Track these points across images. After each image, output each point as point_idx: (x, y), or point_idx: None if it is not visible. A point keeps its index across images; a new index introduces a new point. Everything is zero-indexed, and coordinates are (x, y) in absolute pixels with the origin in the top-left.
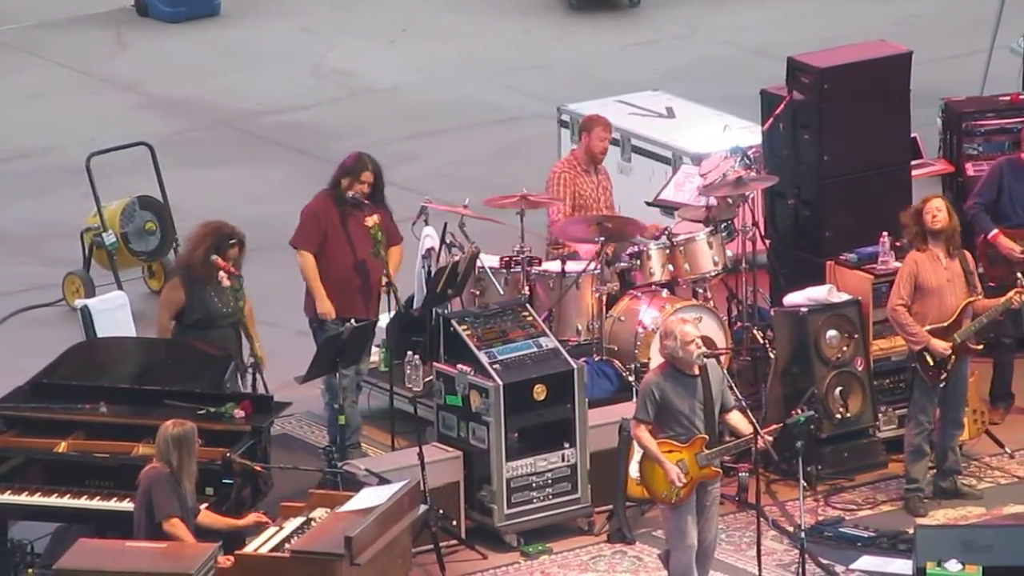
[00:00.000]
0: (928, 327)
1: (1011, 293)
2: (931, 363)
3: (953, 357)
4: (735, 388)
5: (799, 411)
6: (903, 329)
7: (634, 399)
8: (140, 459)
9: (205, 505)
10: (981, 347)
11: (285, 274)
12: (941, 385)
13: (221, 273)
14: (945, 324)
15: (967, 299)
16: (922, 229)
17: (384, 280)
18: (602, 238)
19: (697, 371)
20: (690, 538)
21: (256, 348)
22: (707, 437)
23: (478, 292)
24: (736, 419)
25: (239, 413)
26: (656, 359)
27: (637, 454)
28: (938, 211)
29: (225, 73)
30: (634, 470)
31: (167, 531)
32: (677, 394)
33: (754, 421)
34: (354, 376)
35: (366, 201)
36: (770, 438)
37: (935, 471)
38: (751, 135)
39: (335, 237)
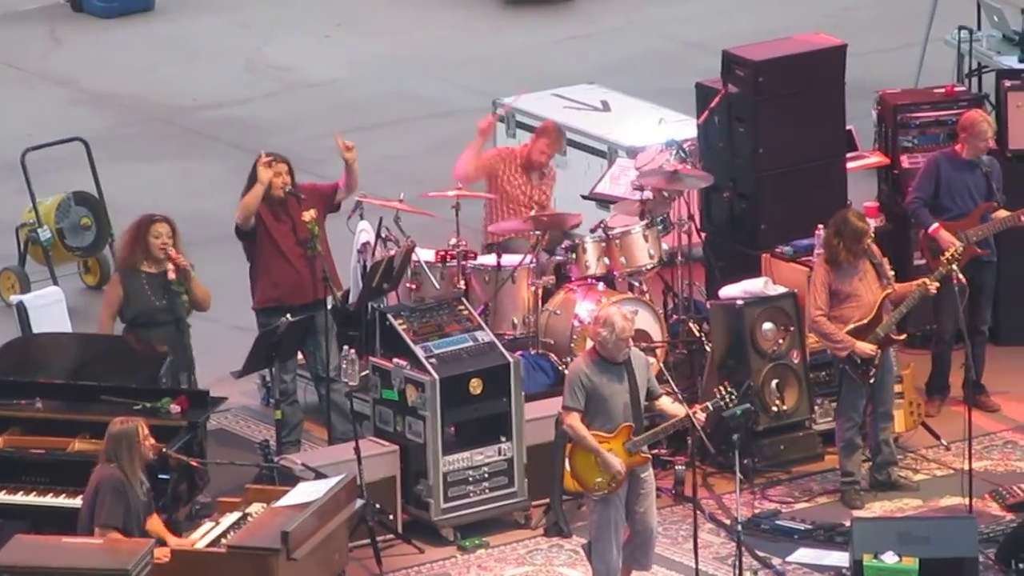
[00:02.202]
0: (850, 327)
1: (920, 280)
2: (859, 363)
3: (879, 353)
4: (672, 381)
5: (724, 387)
6: (826, 339)
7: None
8: (76, 455)
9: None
10: (904, 337)
11: (222, 269)
12: (871, 382)
13: (169, 265)
14: (866, 321)
15: (883, 292)
16: (849, 252)
17: (323, 275)
18: (537, 231)
19: (621, 360)
20: (617, 530)
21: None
22: (633, 425)
23: (414, 286)
24: (666, 403)
25: (175, 408)
26: None
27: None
28: (870, 238)
29: (160, 68)
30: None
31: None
32: (605, 381)
33: (685, 406)
34: (294, 379)
35: (302, 196)
36: (703, 415)
37: (870, 464)
38: (686, 128)
39: (272, 233)
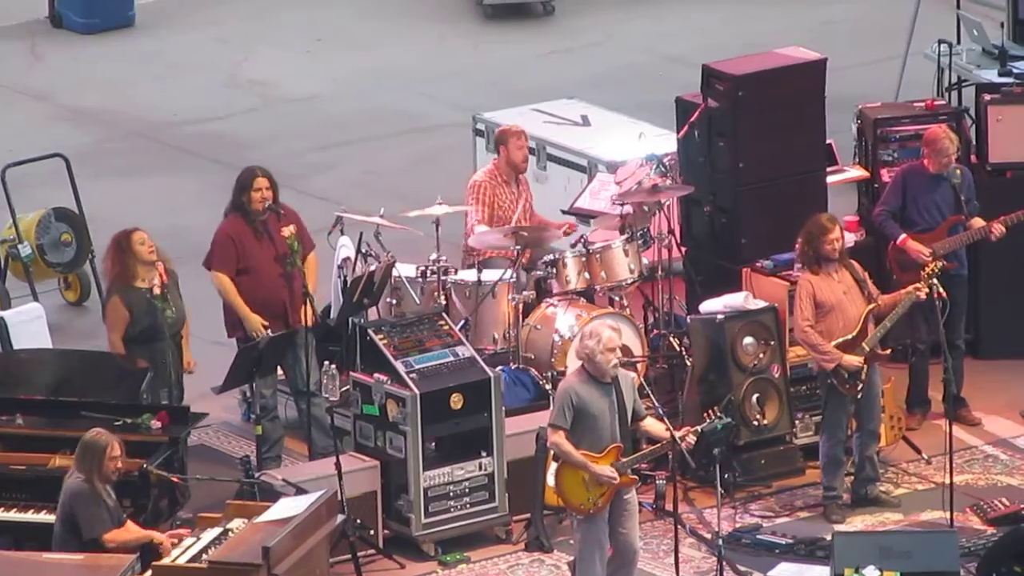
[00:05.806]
0: (836, 341)
1: (910, 287)
2: (846, 377)
3: (866, 367)
4: (652, 396)
5: (713, 412)
6: (814, 350)
7: (551, 407)
8: (56, 471)
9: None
10: (889, 352)
11: (201, 285)
12: (859, 396)
13: (156, 280)
14: (852, 335)
15: (867, 307)
16: (817, 254)
17: (303, 291)
18: (519, 247)
19: (610, 379)
20: (601, 549)
21: (186, 354)
22: (622, 445)
23: (394, 301)
24: (651, 424)
25: (156, 424)
26: (573, 366)
27: (553, 464)
28: (838, 240)
29: (140, 84)
30: (551, 479)
31: (108, 547)
32: (594, 400)
33: (671, 427)
34: (274, 395)
35: (282, 211)
36: (692, 439)
37: (852, 479)
38: (666, 143)
39: (252, 254)
